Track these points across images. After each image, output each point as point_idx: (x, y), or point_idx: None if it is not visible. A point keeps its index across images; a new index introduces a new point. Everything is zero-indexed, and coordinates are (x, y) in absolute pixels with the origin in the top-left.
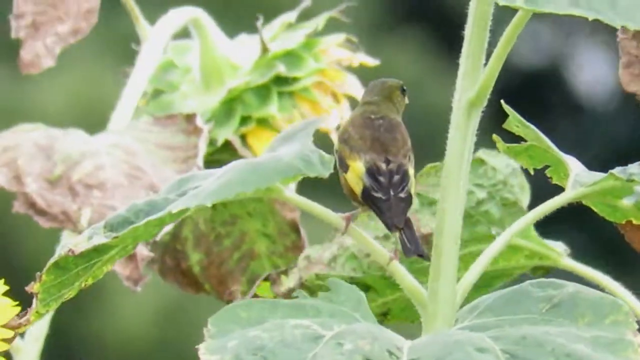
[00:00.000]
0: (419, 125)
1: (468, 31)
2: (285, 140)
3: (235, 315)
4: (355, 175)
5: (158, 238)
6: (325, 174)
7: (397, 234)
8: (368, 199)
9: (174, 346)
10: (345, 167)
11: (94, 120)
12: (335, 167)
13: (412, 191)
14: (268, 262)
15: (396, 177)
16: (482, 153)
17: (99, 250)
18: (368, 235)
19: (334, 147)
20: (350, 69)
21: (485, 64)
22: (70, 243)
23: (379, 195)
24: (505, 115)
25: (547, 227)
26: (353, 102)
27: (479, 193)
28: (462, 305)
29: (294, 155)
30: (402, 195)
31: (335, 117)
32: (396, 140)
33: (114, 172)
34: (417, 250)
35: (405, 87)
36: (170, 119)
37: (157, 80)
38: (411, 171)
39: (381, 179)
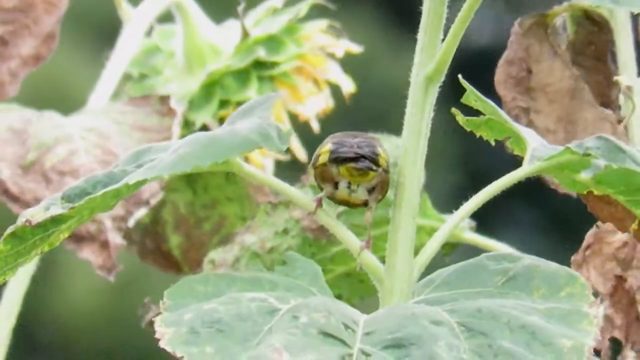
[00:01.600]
0: (374, 101)
1: (425, 6)
2: (244, 114)
3: (191, 288)
4: (324, 154)
5: (136, 216)
6: (283, 147)
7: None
8: (333, 156)
9: (127, 319)
10: (317, 158)
11: (71, 102)
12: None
13: (382, 163)
14: None
15: (363, 144)
16: None
17: (56, 221)
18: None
19: (311, 174)
20: (333, 56)
21: (443, 40)
22: (27, 213)
23: (344, 149)
24: (462, 92)
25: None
26: (335, 89)
27: None
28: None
29: (251, 129)
30: (366, 150)
31: (317, 103)
32: (370, 137)
33: (88, 159)
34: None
35: None
36: (145, 99)
37: (141, 64)
38: (383, 153)
39: (347, 143)
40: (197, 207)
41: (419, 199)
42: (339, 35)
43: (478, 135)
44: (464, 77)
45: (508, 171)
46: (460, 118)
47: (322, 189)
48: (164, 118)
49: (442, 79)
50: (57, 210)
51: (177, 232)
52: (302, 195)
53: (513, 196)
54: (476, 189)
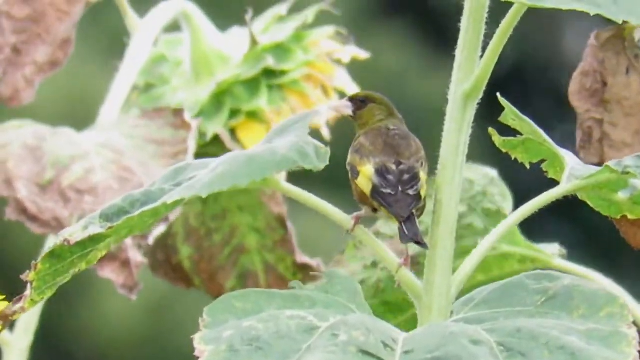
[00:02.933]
0: (409, 117)
1: (464, 23)
2: (280, 133)
3: (230, 305)
4: (365, 177)
5: (155, 233)
6: (321, 166)
7: (398, 224)
8: (376, 196)
9: (162, 340)
10: (356, 174)
11: (83, 115)
12: (347, 176)
13: (422, 192)
14: (258, 257)
15: (406, 176)
16: None
17: (94, 240)
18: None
19: (347, 160)
20: (340, 62)
21: (481, 57)
22: (65, 232)
23: (387, 191)
24: (499, 109)
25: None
26: (342, 96)
27: (458, 207)
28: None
29: (289, 147)
30: (410, 192)
31: (327, 112)
32: (410, 146)
33: (104, 176)
34: (414, 237)
35: None
36: (158, 112)
37: (148, 73)
38: (423, 175)
39: (390, 177)
40: (207, 218)
41: (457, 215)
42: (345, 41)
43: (513, 157)
44: (498, 94)
45: (545, 189)
46: (497, 139)
47: (360, 202)
48: (178, 131)
49: (480, 95)
50: (95, 229)
51: (188, 244)
52: (339, 212)
53: (550, 213)
54: (514, 206)
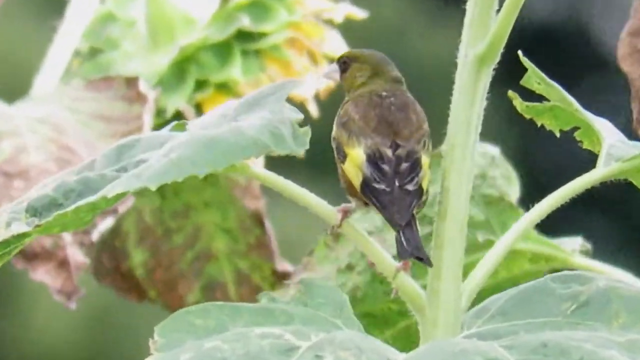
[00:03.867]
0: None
1: None
2: (250, 108)
3: (187, 322)
4: (354, 164)
5: (100, 227)
6: (299, 151)
7: (395, 234)
8: (368, 192)
9: (104, 357)
10: (343, 156)
11: (14, 85)
12: (332, 157)
13: (424, 184)
14: (228, 264)
15: (404, 165)
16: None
17: (18, 237)
18: (368, 237)
19: (332, 134)
20: (331, 23)
21: (498, 11)
22: None
23: (381, 186)
24: (520, 73)
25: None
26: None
27: None
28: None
29: (259, 127)
30: (409, 187)
31: (314, 81)
32: (409, 120)
33: (39, 157)
34: (414, 252)
35: None
36: (107, 82)
37: (94, 35)
38: (425, 160)
39: (385, 167)
40: (166, 215)
41: (468, 207)
42: None
43: (539, 124)
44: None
45: (577, 168)
46: (519, 103)
47: (348, 193)
48: (131, 105)
49: (497, 59)
50: (20, 227)
51: (141, 247)
52: (323, 204)
53: (585, 202)
54: (539, 193)
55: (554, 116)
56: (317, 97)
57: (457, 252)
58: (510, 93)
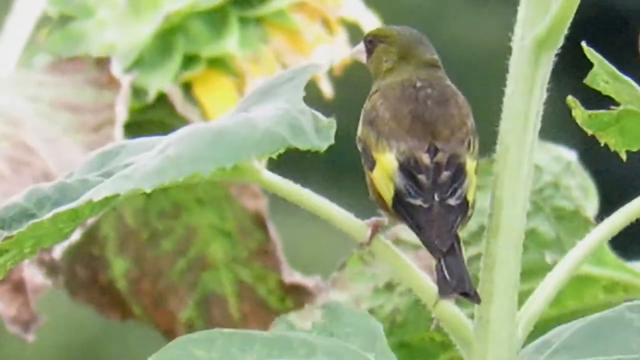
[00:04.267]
0: (448, 71)
1: None
2: (263, 96)
3: (187, 353)
4: (384, 173)
5: (64, 242)
6: (322, 146)
7: (435, 262)
8: (401, 209)
9: None
10: (371, 163)
11: None
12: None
13: (470, 196)
14: (227, 274)
15: (445, 174)
16: None
17: None
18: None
19: (357, 133)
20: None
21: None
22: None
23: (417, 202)
24: (585, 65)
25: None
26: (353, 31)
27: None
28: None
29: (275, 119)
30: (451, 201)
31: (328, 55)
32: (450, 117)
33: None
34: (459, 287)
35: None
36: (73, 63)
37: (63, 1)
38: (471, 165)
39: (421, 177)
40: (152, 216)
41: (524, 220)
42: None
43: (603, 142)
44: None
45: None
46: (579, 114)
47: (378, 206)
48: (102, 91)
49: (560, 43)
50: None
51: (123, 254)
52: (350, 217)
53: None
54: (609, 204)
55: (620, 130)
56: (330, 74)
57: (512, 274)
58: (569, 100)
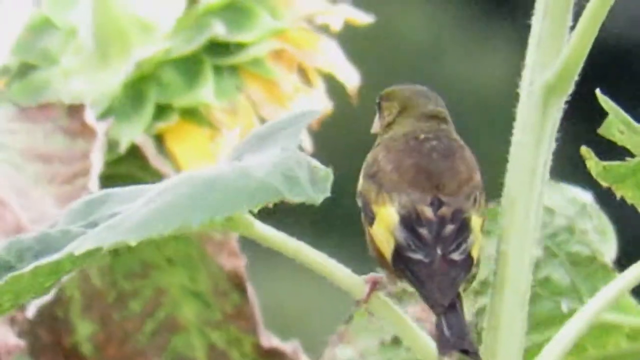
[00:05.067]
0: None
1: None
2: (258, 143)
3: None
4: (384, 227)
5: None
6: (318, 198)
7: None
8: (401, 263)
9: None
10: (371, 217)
11: None
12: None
13: (475, 252)
14: (199, 338)
15: (449, 228)
16: None
17: None
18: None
19: (358, 187)
20: (328, 30)
21: (572, 28)
22: None
23: (417, 256)
24: (599, 113)
25: None
26: (332, 83)
27: None
28: None
29: (271, 169)
30: (455, 256)
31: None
32: (456, 170)
33: None
34: (458, 343)
35: None
36: (44, 110)
37: (25, 47)
38: (477, 221)
39: (423, 231)
40: (119, 276)
41: (531, 278)
42: None
43: (619, 195)
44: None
45: None
46: (593, 165)
47: (378, 263)
48: (75, 140)
49: (571, 89)
50: None
51: (88, 316)
52: (348, 273)
53: None
54: (625, 257)
55: (637, 184)
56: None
57: (517, 334)
58: (583, 150)
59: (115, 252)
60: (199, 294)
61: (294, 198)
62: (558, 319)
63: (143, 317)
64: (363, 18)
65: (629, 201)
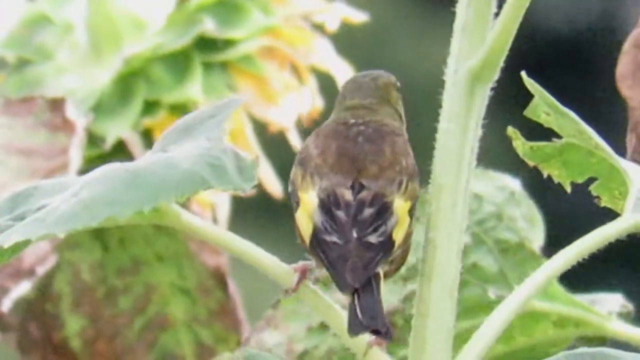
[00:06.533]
0: None
1: None
2: (185, 133)
3: None
4: (305, 212)
5: (14, 294)
6: (245, 187)
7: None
8: (317, 245)
9: None
10: (297, 203)
11: None
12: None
13: (397, 235)
14: (187, 334)
15: (367, 212)
16: None
17: None
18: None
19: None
20: (320, 27)
21: (497, 15)
22: None
23: (332, 238)
24: (525, 97)
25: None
26: (324, 79)
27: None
28: None
29: (196, 159)
30: (371, 239)
31: (296, 105)
32: (381, 154)
33: None
34: (370, 323)
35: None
36: (25, 104)
37: (21, 43)
38: (402, 205)
39: (339, 213)
40: (110, 272)
41: (459, 265)
42: None
43: (546, 174)
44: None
45: (599, 215)
46: (520, 145)
47: (304, 248)
48: (56, 134)
49: (496, 76)
50: None
51: (78, 312)
52: (276, 262)
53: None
54: (563, 240)
55: (564, 162)
56: (299, 125)
57: (446, 321)
58: (510, 131)
59: (105, 247)
60: (187, 291)
61: (221, 187)
62: (486, 306)
63: (133, 313)
64: (358, 16)
65: (556, 180)
